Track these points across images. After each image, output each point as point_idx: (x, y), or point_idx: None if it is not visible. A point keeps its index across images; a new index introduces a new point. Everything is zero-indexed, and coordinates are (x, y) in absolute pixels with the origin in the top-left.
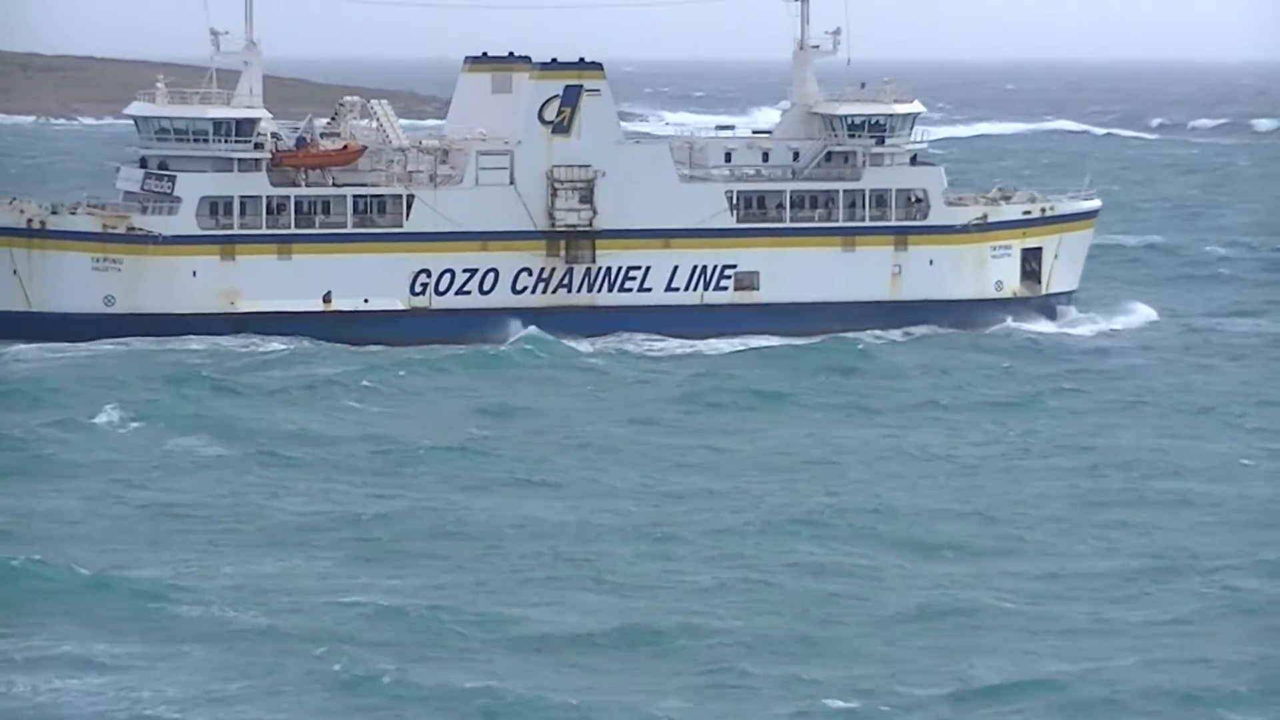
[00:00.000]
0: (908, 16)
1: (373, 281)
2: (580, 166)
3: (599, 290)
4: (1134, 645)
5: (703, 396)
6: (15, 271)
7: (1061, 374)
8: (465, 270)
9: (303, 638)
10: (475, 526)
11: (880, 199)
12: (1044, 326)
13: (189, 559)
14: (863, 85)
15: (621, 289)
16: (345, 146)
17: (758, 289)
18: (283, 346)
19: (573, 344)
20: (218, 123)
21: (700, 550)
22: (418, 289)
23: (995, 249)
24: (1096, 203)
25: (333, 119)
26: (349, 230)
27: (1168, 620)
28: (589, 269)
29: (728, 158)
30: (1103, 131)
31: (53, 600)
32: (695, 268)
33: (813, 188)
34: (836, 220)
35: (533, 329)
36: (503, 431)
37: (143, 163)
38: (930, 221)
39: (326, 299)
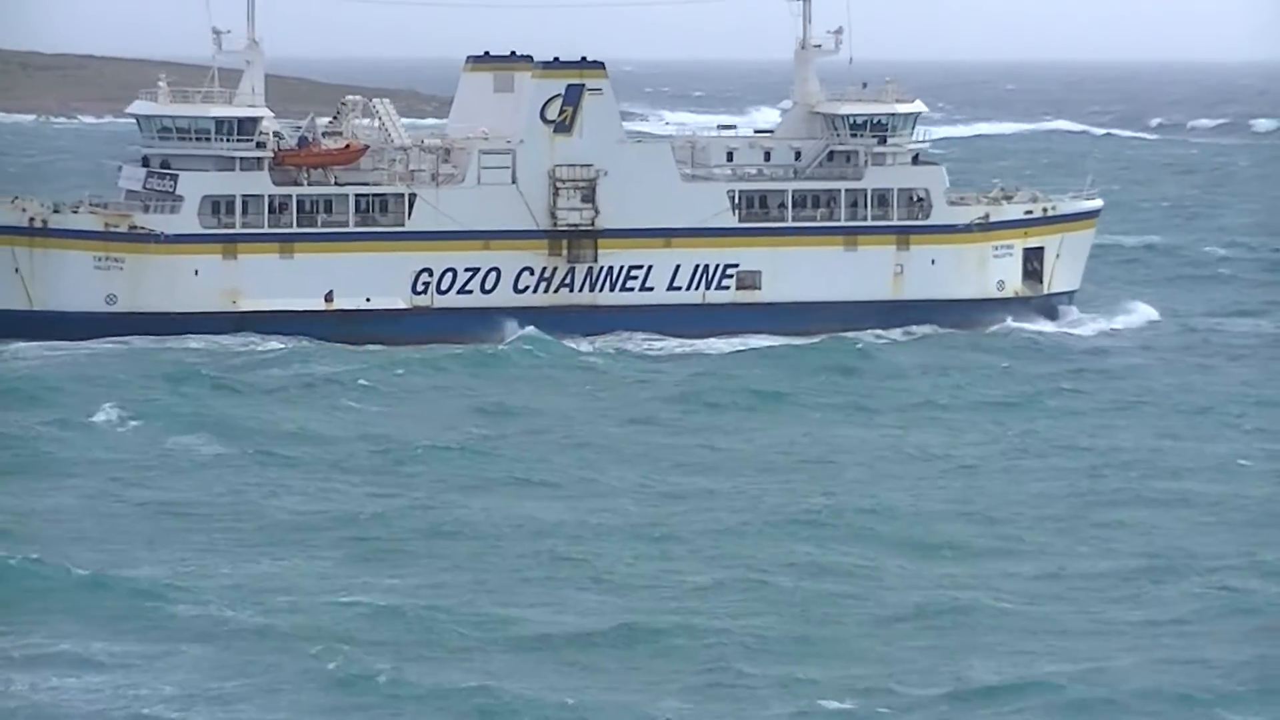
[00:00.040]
0: (909, 16)
1: (375, 280)
2: (582, 166)
3: (601, 290)
4: (1132, 645)
5: (701, 396)
6: (17, 270)
7: (1061, 374)
8: (467, 269)
9: (300, 636)
10: (473, 526)
11: (882, 198)
12: (1045, 326)
13: (187, 558)
14: (864, 85)
15: (623, 288)
16: (347, 145)
17: (760, 288)
18: (281, 345)
19: (572, 343)
20: (220, 121)
21: (698, 550)
22: (420, 288)
23: (997, 249)
24: (1098, 202)
25: (335, 118)
26: (351, 229)
27: (1166, 620)
28: (591, 268)
29: (730, 157)
30: (1102, 132)
31: (51, 599)
32: (697, 267)
33: (815, 187)
34: (838, 220)
35: (530, 329)
36: (501, 431)
37: (145, 161)
38: (932, 221)
39: (328, 298)
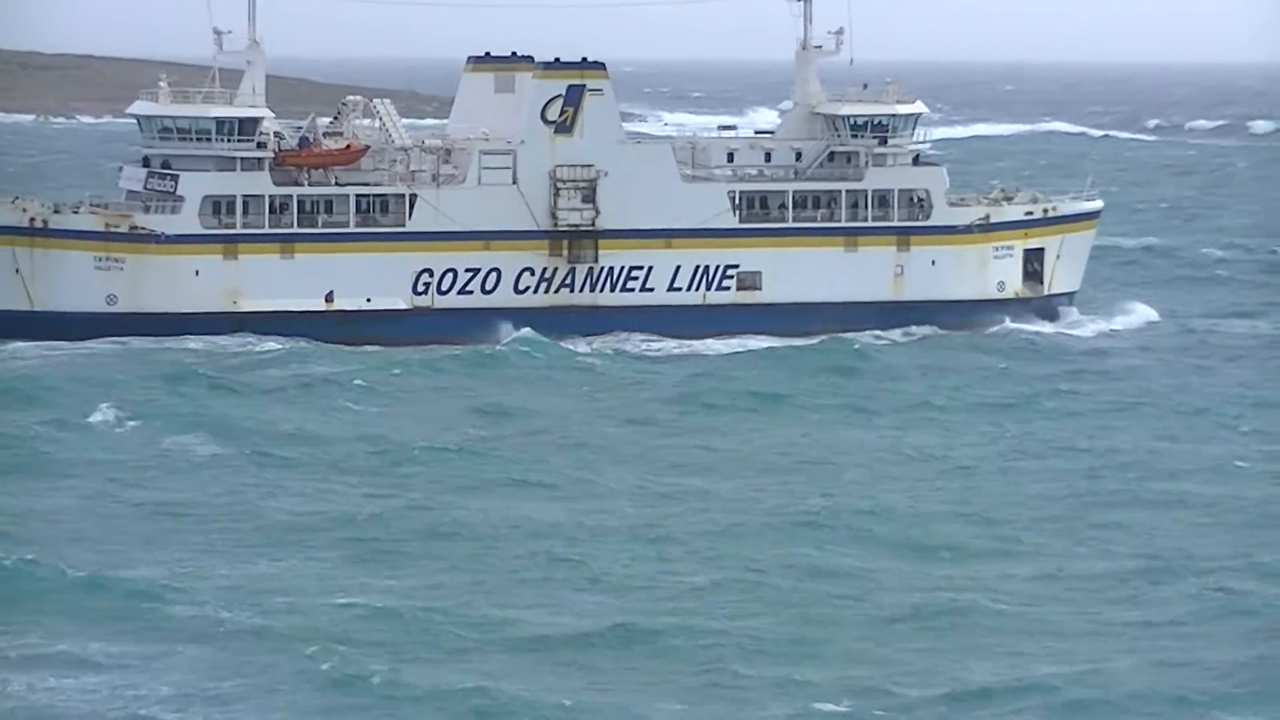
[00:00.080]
0: (910, 17)
1: (375, 281)
2: (583, 166)
3: (601, 290)
4: (1129, 647)
5: (699, 397)
6: (18, 270)
7: (1060, 375)
8: (468, 270)
9: (297, 637)
10: (470, 527)
11: (883, 199)
12: (1045, 327)
13: (184, 558)
14: (865, 86)
15: (624, 289)
16: (348, 146)
17: (760, 289)
18: (279, 346)
19: (570, 344)
20: (221, 122)
21: (696, 551)
22: (420, 288)
23: (997, 249)
24: (1099, 203)
25: (335, 118)
26: (352, 230)
27: (1163, 622)
28: (591, 269)
29: (730, 158)
30: (1100, 133)
31: (48, 599)
32: (698, 268)
33: (815, 188)
34: (839, 220)
35: (526, 329)
36: (499, 432)
37: (145, 162)
38: (932, 222)
39: (329, 298)
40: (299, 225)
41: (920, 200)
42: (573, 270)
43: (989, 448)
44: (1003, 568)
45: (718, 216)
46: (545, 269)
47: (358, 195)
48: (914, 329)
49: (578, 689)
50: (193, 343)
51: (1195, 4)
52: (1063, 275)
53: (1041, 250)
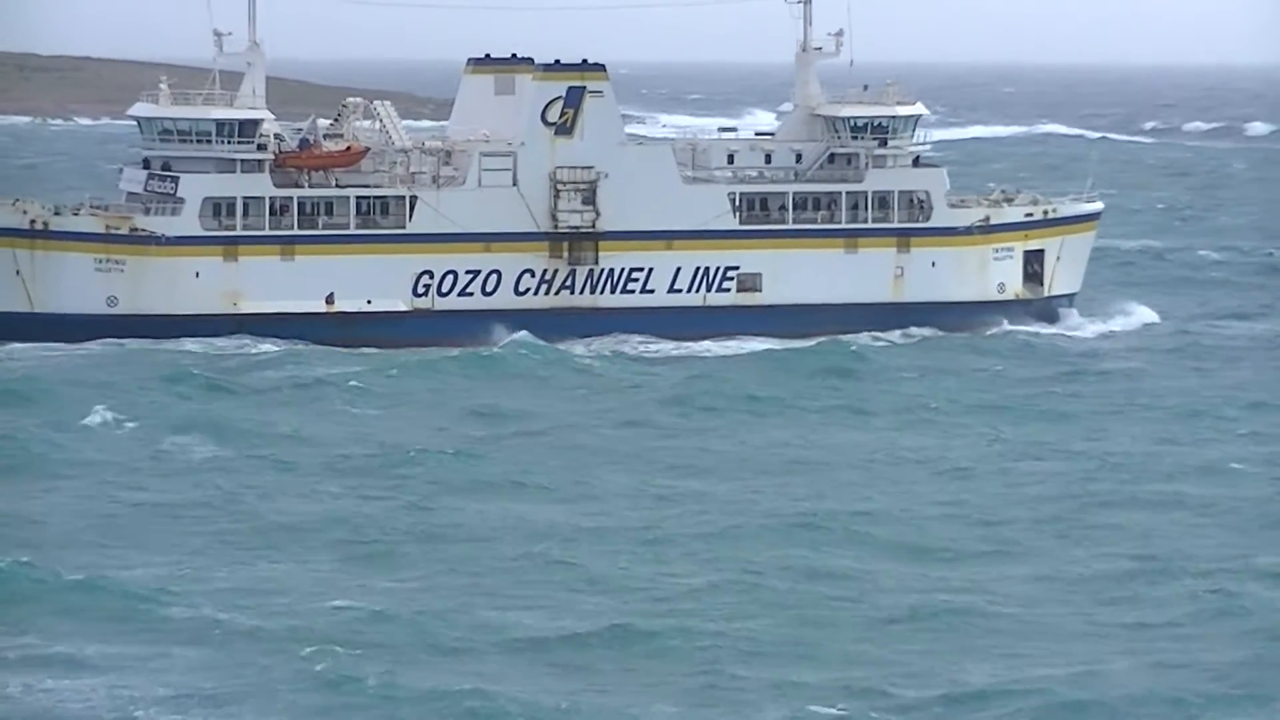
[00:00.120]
0: (909, 19)
1: (375, 283)
2: (583, 168)
3: (601, 292)
4: (1126, 648)
5: (697, 399)
6: (18, 272)
7: (1058, 377)
8: (468, 272)
9: (293, 639)
10: (467, 528)
11: (883, 201)
12: (1045, 329)
13: (181, 560)
14: (865, 87)
15: (624, 291)
16: (348, 148)
17: (760, 291)
18: (275, 347)
19: (567, 346)
20: (221, 124)
21: (692, 553)
22: (420, 290)
23: (998, 251)
24: (1099, 205)
25: (336, 120)
26: (352, 231)
27: (1160, 623)
28: (592, 271)
29: (730, 159)
30: (1096, 135)
31: (45, 600)
32: (698, 269)
33: (815, 189)
34: (839, 222)
35: (523, 332)
36: (496, 433)
37: (146, 164)
38: (933, 223)
39: (329, 300)
40: (299, 227)
41: (920, 202)
42: (573, 272)
43: (986, 449)
44: (999, 569)
45: (718, 218)
46: (545, 271)
47: (358, 197)
48: (914, 331)
49: (574, 690)
50: (190, 344)
51: (1195, 6)
52: (1063, 277)
53: (1042, 252)
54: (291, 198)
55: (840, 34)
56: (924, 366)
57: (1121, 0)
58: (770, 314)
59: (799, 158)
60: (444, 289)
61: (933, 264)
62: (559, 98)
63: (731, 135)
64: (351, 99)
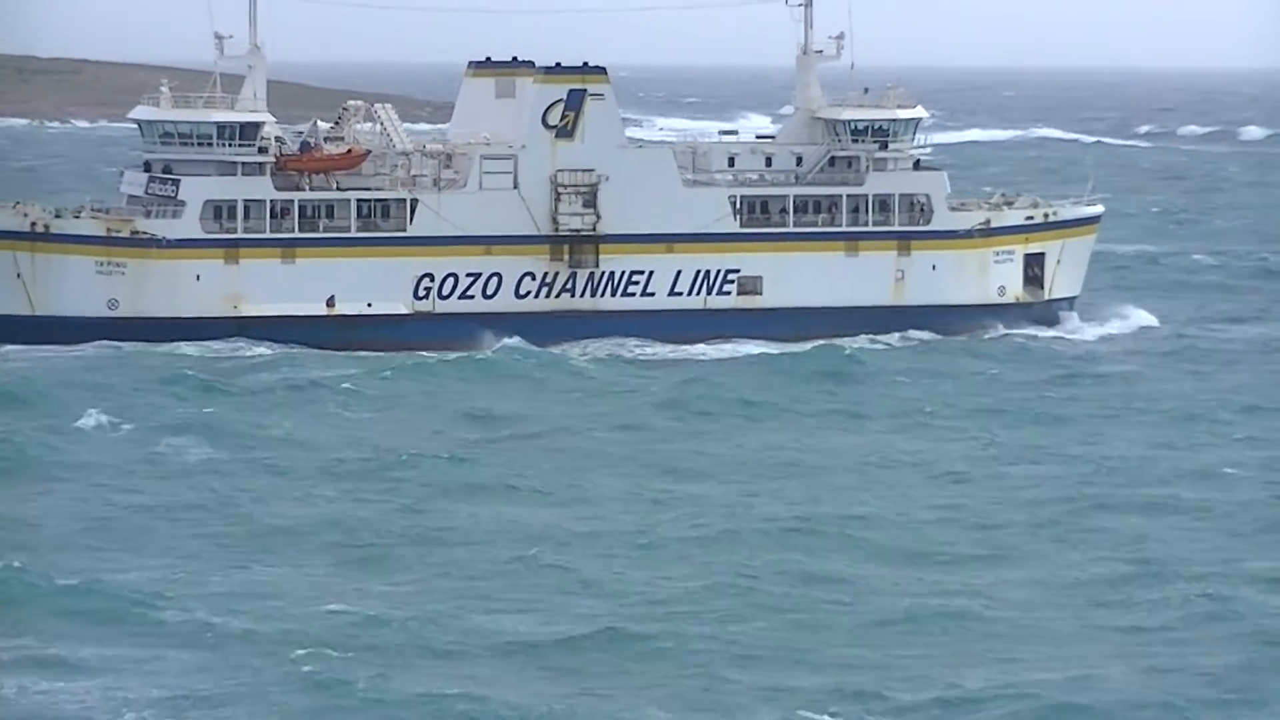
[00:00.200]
0: (910, 22)
1: (376, 285)
2: (584, 171)
3: (602, 295)
4: (1121, 652)
5: (692, 403)
6: (19, 275)
7: (1054, 380)
8: (469, 274)
9: (287, 642)
10: (461, 532)
11: (883, 204)
12: (1045, 332)
13: (175, 563)
14: (866, 90)
15: (625, 294)
16: (349, 150)
17: (761, 294)
18: (271, 350)
19: (562, 349)
20: (222, 127)
21: (687, 556)
22: (421, 293)
23: (998, 254)
24: (1099, 208)
25: (337, 123)
26: (353, 234)
27: (1155, 627)
28: (592, 274)
29: (731, 162)
30: (1092, 139)
31: (39, 603)
32: (698, 272)
33: (816, 192)
34: (840, 225)
35: (518, 337)
36: (490, 437)
37: (147, 166)
38: (933, 226)
39: (330, 303)
40: (300, 230)
41: (921, 205)
42: (574, 275)
43: (982, 453)
44: (995, 573)
45: (719, 221)
46: (546, 274)
47: (359, 200)
48: (912, 334)
49: (567, 694)
50: (186, 347)
51: (1196, 8)
52: (1063, 280)
53: (1042, 255)
54: (292, 200)
55: (841, 37)
56: (920, 370)
57: (1122, 3)
58: (771, 317)
59: (799, 161)
60: (445, 292)
61: (933, 267)
62: (560, 101)
63: (732, 138)
64: (352, 102)
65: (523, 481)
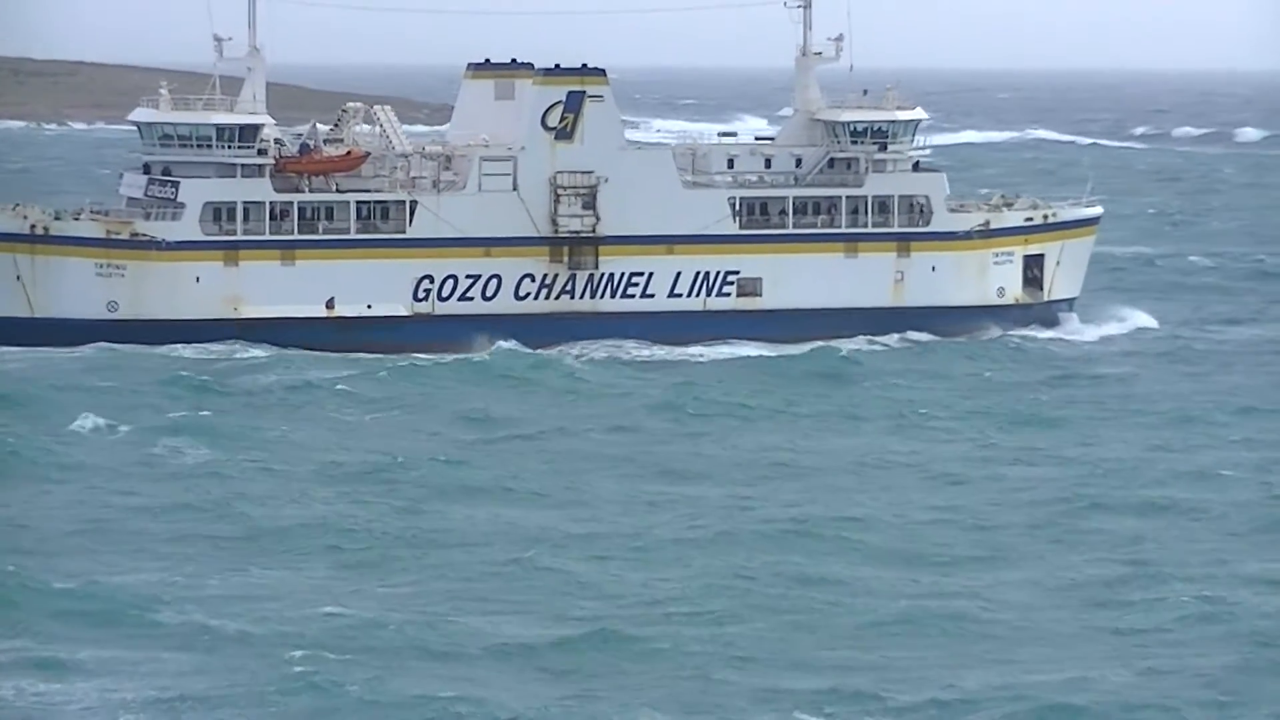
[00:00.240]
0: (909, 23)
1: (376, 287)
2: (583, 172)
3: (602, 297)
4: (1117, 654)
5: (688, 405)
6: (18, 277)
7: (1051, 382)
8: (468, 276)
9: (283, 644)
10: (457, 534)
11: (883, 205)
12: (1045, 333)
13: (171, 565)
14: (865, 92)
15: (624, 295)
16: (349, 152)
17: (760, 295)
18: (267, 353)
19: (560, 350)
20: (221, 129)
21: (682, 558)
22: (421, 295)
23: (998, 255)
24: (1098, 209)
25: (336, 125)
26: (352, 236)
27: (1151, 629)
28: (592, 275)
29: (730, 164)
30: (1088, 141)
31: (35, 605)
32: (698, 274)
33: (815, 194)
34: (839, 226)
35: (513, 340)
36: (486, 439)
37: (146, 168)
38: (933, 228)
39: (329, 305)
40: (300, 232)
41: (920, 206)
42: (573, 277)
43: (978, 454)
44: (991, 574)
45: (718, 223)
46: (546, 275)
47: (358, 202)
48: (910, 335)
49: (563, 696)
50: (184, 349)
51: (1196, 9)
52: (1063, 281)
53: (1042, 256)
54: (292, 202)
55: (840, 39)
56: (917, 371)
57: (1121, 4)
58: (770, 318)
59: (799, 162)
60: (444, 294)
61: (933, 268)
62: (559, 102)
63: (731, 140)
64: (351, 104)
65: (519, 483)
